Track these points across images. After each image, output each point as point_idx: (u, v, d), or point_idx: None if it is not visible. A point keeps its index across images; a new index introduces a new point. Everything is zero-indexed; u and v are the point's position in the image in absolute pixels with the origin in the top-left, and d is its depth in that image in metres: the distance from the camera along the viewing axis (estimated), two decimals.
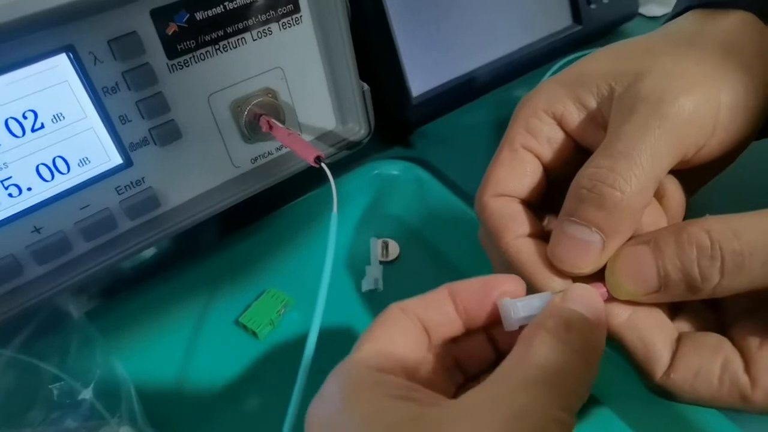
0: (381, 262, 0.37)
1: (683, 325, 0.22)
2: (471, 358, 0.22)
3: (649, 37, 0.25)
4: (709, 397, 0.20)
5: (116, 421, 0.28)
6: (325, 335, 0.32)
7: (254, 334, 0.33)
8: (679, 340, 0.21)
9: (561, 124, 0.24)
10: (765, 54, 0.23)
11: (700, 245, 0.18)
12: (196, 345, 0.33)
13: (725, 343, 0.20)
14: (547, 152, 0.24)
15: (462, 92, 0.46)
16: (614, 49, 0.24)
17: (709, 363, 0.20)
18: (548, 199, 0.25)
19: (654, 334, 0.21)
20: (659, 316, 0.21)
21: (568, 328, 0.18)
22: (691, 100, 0.20)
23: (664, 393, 0.21)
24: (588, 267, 0.21)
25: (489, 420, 0.15)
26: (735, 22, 0.24)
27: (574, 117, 0.23)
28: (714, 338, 0.21)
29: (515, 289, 0.21)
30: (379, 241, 0.38)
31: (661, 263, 0.19)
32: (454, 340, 0.22)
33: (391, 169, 0.40)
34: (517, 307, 0.20)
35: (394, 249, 0.38)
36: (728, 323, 0.21)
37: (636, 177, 0.19)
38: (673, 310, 0.22)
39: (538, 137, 0.24)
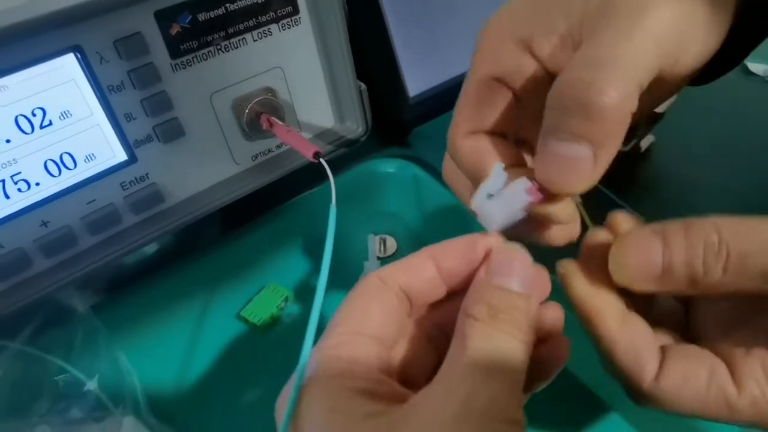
0: (379, 258, 0.38)
1: (661, 338, 0.22)
2: (453, 322, 0.21)
3: None
4: (695, 403, 0.20)
5: (120, 412, 0.29)
6: (323, 330, 0.33)
7: (255, 327, 0.34)
8: (662, 350, 0.21)
9: (530, 50, 0.22)
10: None
11: (708, 242, 0.18)
12: (198, 338, 0.33)
13: (707, 353, 0.20)
14: (518, 81, 0.22)
15: (457, 93, 0.46)
16: None
17: (697, 369, 0.20)
18: (523, 132, 0.24)
19: (643, 340, 0.21)
20: (644, 325, 0.21)
21: (495, 313, 0.17)
22: (669, 11, 0.19)
23: (649, 401, 0.21)
24: (581, 185, 0.19)
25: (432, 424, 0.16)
26: None
27: (544, 42, 0.21)
28: (695, 349, 0.21)
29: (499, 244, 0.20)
30: (377, 238, 0.39)
31: (667, 253, 0.19)
32: (435, 305, 0.22)
33: (388, 167, 0.41)
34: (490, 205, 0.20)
35: (391, 245, 0.39)
36: (704, 336, 0.22)
37: (622, 80, 0.18)
38: (651, 324, 0.22)
39: (505, 66, 0.22)
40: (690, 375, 0.20)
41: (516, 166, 0.22)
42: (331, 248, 0.26)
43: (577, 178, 0.19)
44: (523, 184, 0.20)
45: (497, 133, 0.23)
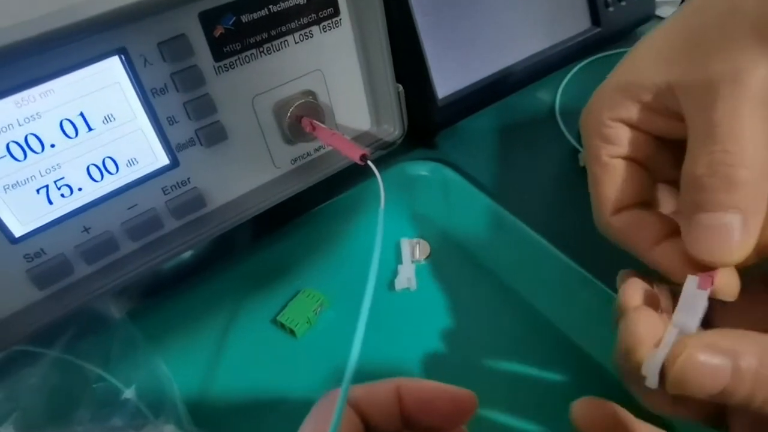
0: (413, 262, 0.37)
1: None
2: None
3: (687, 18, 0.24)
4: None
5: (162, 420, 0.29)
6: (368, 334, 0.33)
7: (292, 332, 0.33)
8: None
9: (631, 126, 0.24)
10: None
11: None
12: (235, 343, 0.33)
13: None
14: (635, 152, 0.24)
15: (485, 94, 0.46)
16: (655, 44, 0.24)
17: None
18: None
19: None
20: None
21: None
22: (762, 68, 0.20)
23: None
24: (736, 252, 0.20)
25: None
26: None
27: (641, 116, 0.23)
28: None
29: (470, 403, 0.22)
30: (411, 241, 0.38)
31: (733, 384, 0.19)
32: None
33: (421, 170, 0.41)
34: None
35: (425, 248, 0.38)
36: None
37: (752, 151, 0.20)
38: None
39: (618, 143, 0.24)
40: None
41: (669, 234, 0.23)
42: (379, 253, 0.25)
43: (730, 245, 0.20)
44: (693, 282, 0.21)
45: (639, 204, 0.24)
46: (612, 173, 0.24)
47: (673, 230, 0.23)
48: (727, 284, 0.21)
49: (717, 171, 0.20)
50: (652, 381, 0.20)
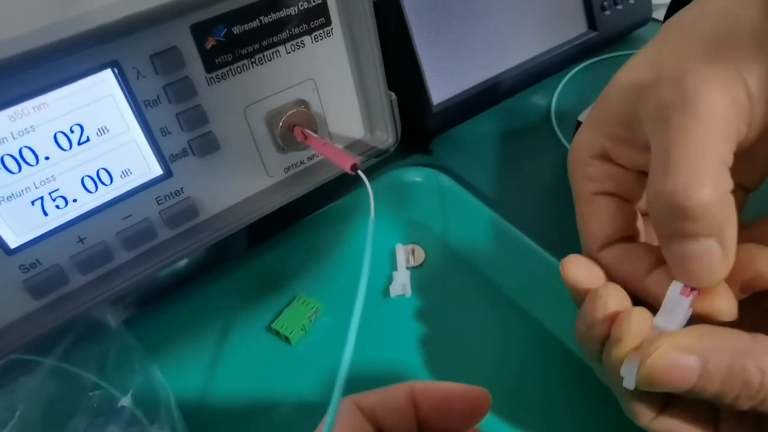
0: (408, 268, 0.37)
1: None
2: None
3: (651, 47, 0.24)
4: None
5: (157, 427, 0.29)
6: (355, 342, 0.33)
7: (287, 339, 0.33)
8: (665, 397, 0.22)
9: (611, 161, 0.24)
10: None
11: (747, 383, 0.19)
12: (230, 351, 0.33)
13: (697, 417, 0.22)
14: (617, 188, 0.24)
15: (481, 100, 0.46)
16: (623, 77, 0.24)
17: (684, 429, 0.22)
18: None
19: (646, 396, 0.22)
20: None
21: None
22: (717, 88, 0.20)
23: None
24: (721, 271, 0.20)
25: None
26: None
27: (617, 150, 0.24)
28: (690, 410, 0.22)
29: (485, 400, 0.22)
30: (405, 247, 0.38)
31: (702, 383, 0.19)
32: None
33: (415, 176, 0.41)
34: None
35: (419, 255, 0.38)
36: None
37: (707, 173, 0.19)
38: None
39: (600, 180, 0.24)
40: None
41: (655, 265, 0.23)
42: (370, 261, 0.25)
43: (712, 268, 0.20)
44: (676, 288, 0.21)
45: (626, 237, 0.24)
46: (596, 210, 0.24)
47: (661, 259, 0.23)
48: (726, 306, 0.21)
49: (672, 202, 0.20)
50: (629, 382, 0.21)
